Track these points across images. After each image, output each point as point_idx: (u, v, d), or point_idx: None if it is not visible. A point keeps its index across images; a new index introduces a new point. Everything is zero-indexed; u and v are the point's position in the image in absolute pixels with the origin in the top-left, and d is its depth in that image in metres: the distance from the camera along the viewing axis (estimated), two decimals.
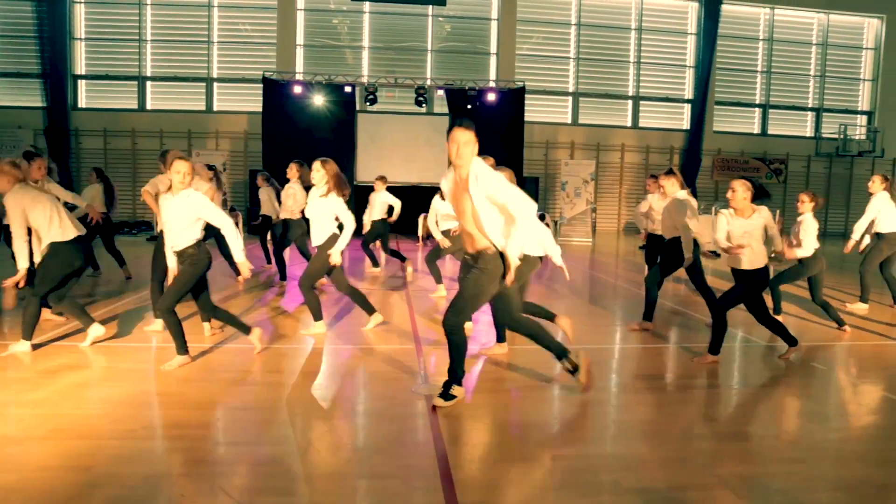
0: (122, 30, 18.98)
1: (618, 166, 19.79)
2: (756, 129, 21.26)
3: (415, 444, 3.53)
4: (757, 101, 21.21)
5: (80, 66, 19.02)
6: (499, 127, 17.46)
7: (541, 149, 19.37)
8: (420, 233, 15.31)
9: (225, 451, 3.39)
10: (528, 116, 18.33)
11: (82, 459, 3.19)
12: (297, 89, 17.17)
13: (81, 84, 19.08)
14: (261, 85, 17.58)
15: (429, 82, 18.45)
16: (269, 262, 10.27)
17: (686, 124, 20.44)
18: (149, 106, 19.17)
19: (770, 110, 21.24)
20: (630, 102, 20.31)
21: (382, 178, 9.78)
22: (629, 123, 20.26)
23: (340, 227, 5.74)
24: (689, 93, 20.48)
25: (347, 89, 17.44)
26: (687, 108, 20.51)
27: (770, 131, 21.24)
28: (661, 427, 3.87)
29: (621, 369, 5.21)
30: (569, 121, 19.94)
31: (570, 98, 19.98)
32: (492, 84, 18.57)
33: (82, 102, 19.06)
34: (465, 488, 2.98)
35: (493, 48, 19.56)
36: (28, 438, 3.45)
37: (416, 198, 16.09)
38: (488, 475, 3.15)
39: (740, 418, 4.09)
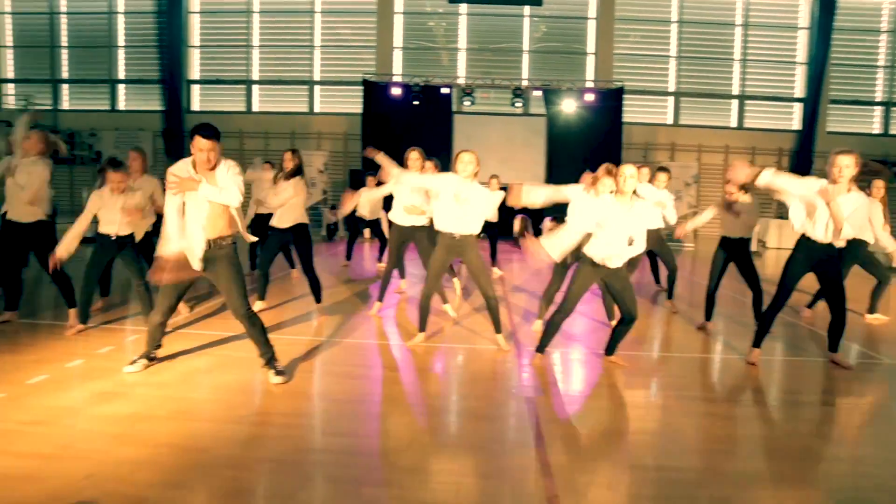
0: (232, 36, 19.98)
1: (721, 169, 19.00)
2: (877, 129, 19.87)
3: (517, 445, 3.55)
4: (878, 99, 19.83)
5: (195, 72, 20.16)
6: (596, 128, 17.20)
7: (640, 150, 18.89)
8: (516, 232, 15.31)
9: (331, 441, 3.53)
10: (626, 117, 17.92)
11: (202, 440, 3.41)
12: (396, 91, 17.52)
13: (195, 88, 20.22)
14: (361, 87, 18.06)
15: (525, 83, 18.38)
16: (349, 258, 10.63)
17: (797, 124, 19.38)
18: (255, 108, 20.07)
19: (893, 108, 19.82)
20: (735, 102, 19.46)
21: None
22: (734, 124, 19.43)
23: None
24: (799, 91, 19.40)
25: (444, 91, 17.63)
26: (798, 107, 19.43)
27: (893, 131, 19.81)
28: (772, 444, 3.71)
29: (727, 381, 5.04)
30: (669, 121, 19.34)
31: (670, 98, 19.38)
32: (589, 84, 18.29)
33: (195, 106, 20.19)
34: (565, 492, 2.98)
35: (591, 48, 19.24)
36: (154, 417, 3.72)
37: None
38: (589, 480, 3.14)
39: (858, 438, 3.86)
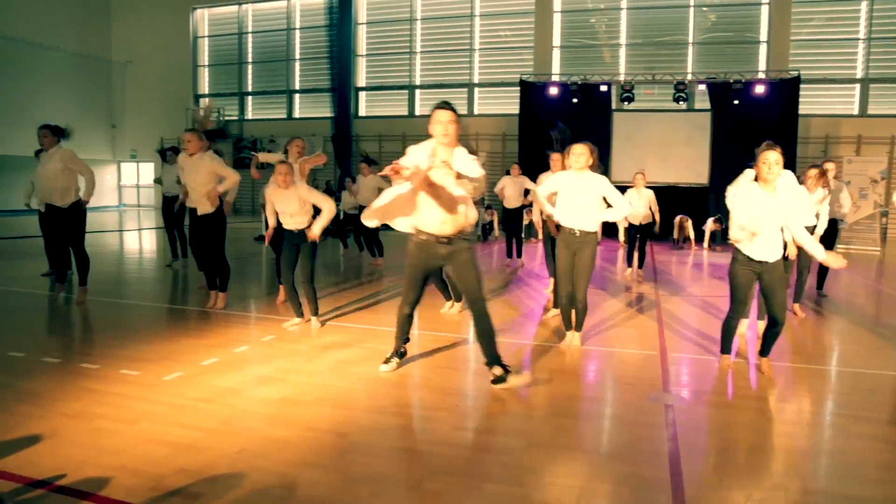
0: (396, 44, 20.95)
1: None
2: None
3: (649, 454, 3.43)
4: None
5: (362, 79, 21.37)
6: (767, 122, 15.98)
7: (819, 144, 17.29)
8: (675, 234, 14.62)
9: (461, 435, 3.63)
10: (803, 109, 16.47)
11: (341, 426, 3.66)
12: (553, 91, 17.41)
13: (362, 95, 21.44)
14: (518, 88, 18.15)
15: (689, 77, 17.51)
16: (510, 255, 10.63)
17: None
18: (417, 112, 20.89)
19: None
20: None
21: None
22: None
23: None
24: None
25: (603, 88, 17.25)
26: None
27: None
28: None
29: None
30: (855, 111, 17.50)
31: (857, 86, 17.53)
32: (760, 75, 17.05)
33: (362, 111, 21.42)
34: None
35: (763, 36, 17.91)
36: (301, 402, 4.04)
37: (674, 198, 15.52)
38: (721, 497, 2.97)
39: None
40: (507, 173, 10.59)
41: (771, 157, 4.37)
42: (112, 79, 24.06)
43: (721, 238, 14.84)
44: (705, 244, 14.53)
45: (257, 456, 3.25)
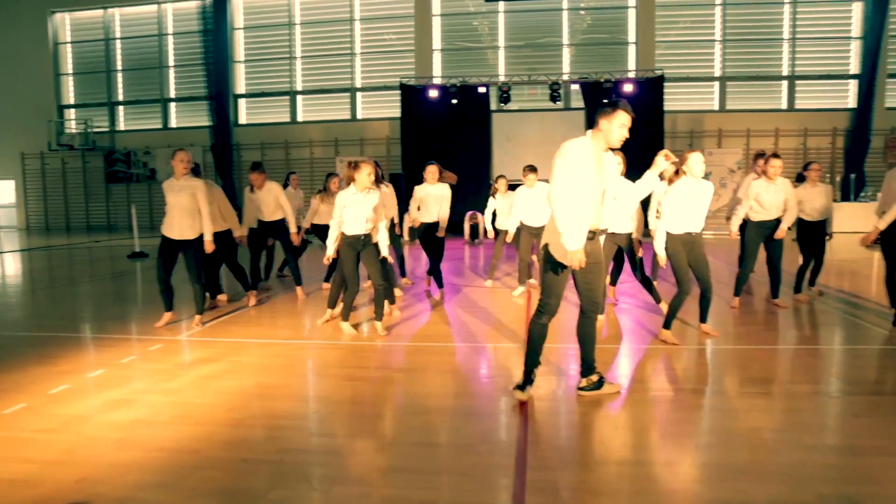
0: (275, 49, 20.55)
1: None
2: None
3: (498, 444, 3.56)
4: None
5: (241, 86, 20.81)
6: (637, 118, 16.81)
7: (685, 138, 18.44)
8: None
9: (316, 441, 3.63)
10: (670, 106, 17.55)
11: (194, 443, 3.57)
12: (433, 93, 17.63)
13: (242, 102, 20.88)
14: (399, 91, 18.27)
15: (565, 77, 18.22)
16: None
17: (852, 102, 18.55)
18: (300, 118, 20.58)
19: None
20: (785, 83, 18.77)
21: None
22: (784, 106, 18.73)
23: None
24: (854, 67, 18.56)
25: (482, 90, 17.66)
26: (853, 84, 18.60)
27: None
28: (766, 436, 3.61)
29: (732, 371, 4.90)
30: (715, 107, 18.81)
31: (716, 83, 18.85)
32: (630, 75, 17.98)
33: (242, 119, 20.85)
34: (535, 490, 2.99)
35: (632, 37, 18.91)
36: (156, 422, 3.91)
37: None
38: (563, 479, 3.13)
39: (863, 430, 3.71)
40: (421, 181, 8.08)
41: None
42: None
43: None
44: None
45: (99, 483, 3.11)
